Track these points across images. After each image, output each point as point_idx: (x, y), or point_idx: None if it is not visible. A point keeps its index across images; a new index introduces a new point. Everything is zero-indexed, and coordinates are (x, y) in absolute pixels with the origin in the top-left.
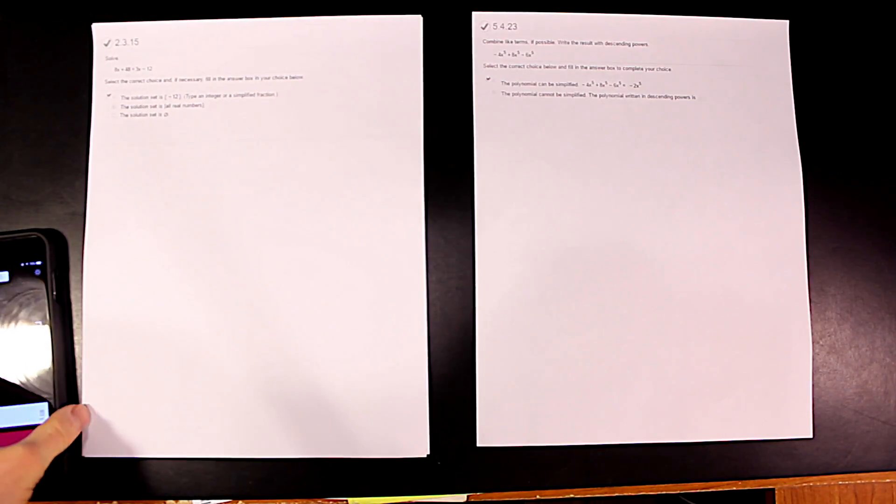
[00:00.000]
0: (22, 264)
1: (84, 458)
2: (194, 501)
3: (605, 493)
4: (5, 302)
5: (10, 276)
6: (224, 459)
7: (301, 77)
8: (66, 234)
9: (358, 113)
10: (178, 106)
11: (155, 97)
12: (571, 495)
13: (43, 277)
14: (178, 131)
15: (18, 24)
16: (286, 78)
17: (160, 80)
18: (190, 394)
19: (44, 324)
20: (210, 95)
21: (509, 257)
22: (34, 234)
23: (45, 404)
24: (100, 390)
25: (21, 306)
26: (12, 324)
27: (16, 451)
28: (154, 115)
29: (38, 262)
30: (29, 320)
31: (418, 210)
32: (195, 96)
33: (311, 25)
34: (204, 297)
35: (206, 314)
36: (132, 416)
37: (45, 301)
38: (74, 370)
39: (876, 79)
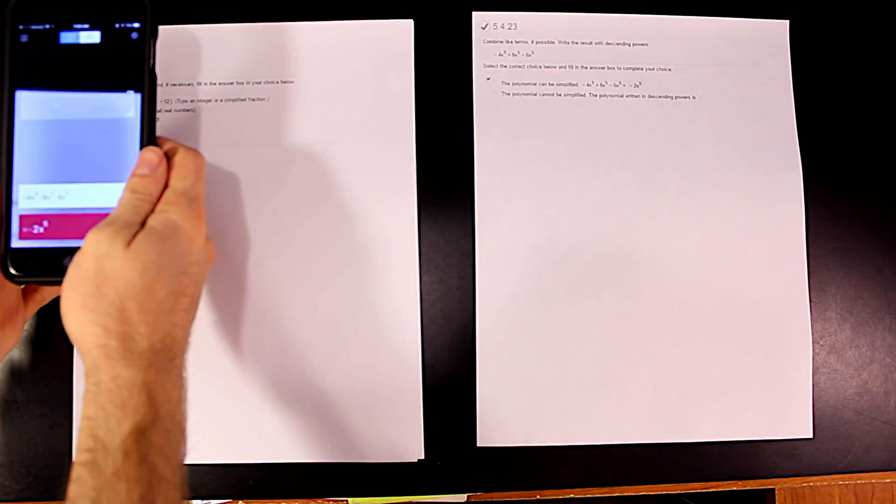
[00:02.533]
0: (117, 25)
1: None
2: (194, 502)
3: (605, 493)
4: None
5: (102, 38)
6: (221, 465)
7: (292, 82)
8: None
9: (349, 117)
10: (170, 111)
11: None
12: (571, 495)
13: (141, 42)
14: (169, 136)
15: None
16: (277, 83)
17: None
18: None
19: (137, 92)
20: (201, 100)
21: (509, 257)
22: None
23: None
24: None
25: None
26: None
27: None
28: None
29: (137, 25)
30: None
31: (411, 212)
32: (186, 101)
33: (302, 30)
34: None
35: (201, 319)
36: None
37: (142, 68)
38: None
39: (876, 79)
